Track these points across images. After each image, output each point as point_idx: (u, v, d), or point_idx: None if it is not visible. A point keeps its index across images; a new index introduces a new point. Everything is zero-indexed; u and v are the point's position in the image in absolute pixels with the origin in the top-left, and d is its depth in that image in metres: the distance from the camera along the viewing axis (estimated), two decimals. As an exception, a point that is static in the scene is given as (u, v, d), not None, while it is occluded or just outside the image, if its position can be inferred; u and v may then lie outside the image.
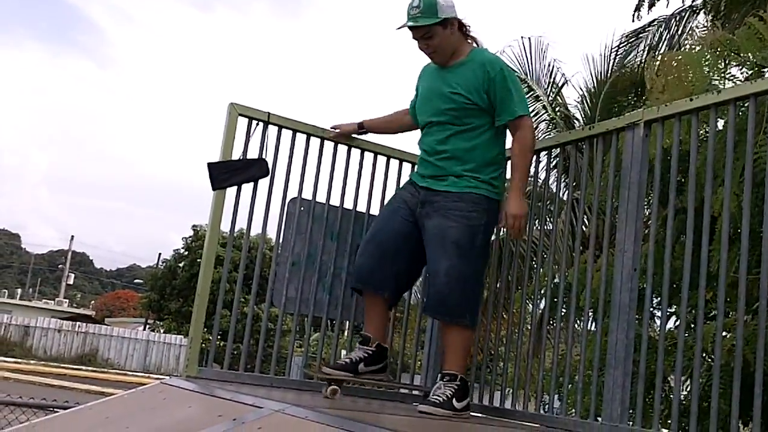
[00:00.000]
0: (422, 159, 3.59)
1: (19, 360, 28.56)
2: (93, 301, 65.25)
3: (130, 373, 29.48)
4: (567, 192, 8.39)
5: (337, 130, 3.91)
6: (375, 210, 4.01)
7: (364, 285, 3.55)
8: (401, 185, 3.84)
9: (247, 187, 3.74)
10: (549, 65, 13.33)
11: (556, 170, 10.00)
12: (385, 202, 3.86)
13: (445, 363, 3.43)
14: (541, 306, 4.42)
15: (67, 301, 57.15)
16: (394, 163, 4.12)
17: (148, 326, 38.01)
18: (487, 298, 4.01)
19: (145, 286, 41.39)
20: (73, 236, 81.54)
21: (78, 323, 34.77)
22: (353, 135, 3.94)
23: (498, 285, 4.07)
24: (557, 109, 13.29)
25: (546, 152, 3.87)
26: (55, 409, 6.16)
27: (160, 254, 45.60)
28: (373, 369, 3.53)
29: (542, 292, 4.64)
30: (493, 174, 3.47)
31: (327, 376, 3.43)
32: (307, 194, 3.90)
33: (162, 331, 35.12)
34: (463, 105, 3.42)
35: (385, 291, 3.53)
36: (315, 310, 3.88)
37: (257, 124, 3.78)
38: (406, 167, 4.12)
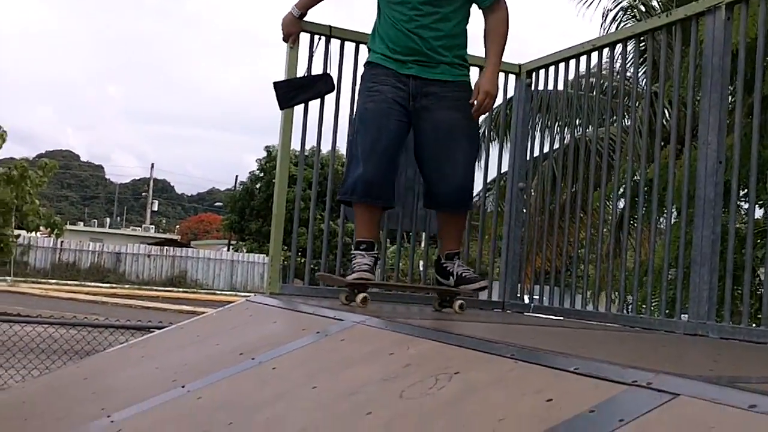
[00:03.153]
0: (400, 39, 3.32)
1: (114, 285, 29.94)
2: (177, 226, 67.30)
3: (218, 292, 30.60)
4: (645, 85, 8.08)
5: (291, 38, 3.69)
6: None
7: (374, 199, 3.35)
8: (369, 75, 3.43)
9: (314, 104, 3.71)
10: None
11: (632, 63, 9.61)
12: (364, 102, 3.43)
13: (450, 244, 3.48)
14: (621, 205, 4.32)
15: (154, 227, 59.20)
16: (475, 72, 4.01)
17: (231, 247, 39.11)
18: (565, 199, 3.93)
19: (225, 209, 42.40)
20: (153, 164, 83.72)
21: (166, 247, 36.11)
22: (301, 23, 3.67)
23: (575, 185, 3.98)
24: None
25: (621, 44, 3.70)
26: (151, 330, 6.43)
27: (237, 177, 46.46)
28: (377, 271, 3.49)
29: (621, 191, 4.54)
30: (466, 59, 3.45)
31: (357, 280, 3.22)
32: (375, 106, 3.84)
33: (244, 251, 36.09)
34: None
35: (390, 202, 3.43)
36: (389, 223, 3.89)
37: (320, 39, 3.72)
38: (500, 76, 4.03)
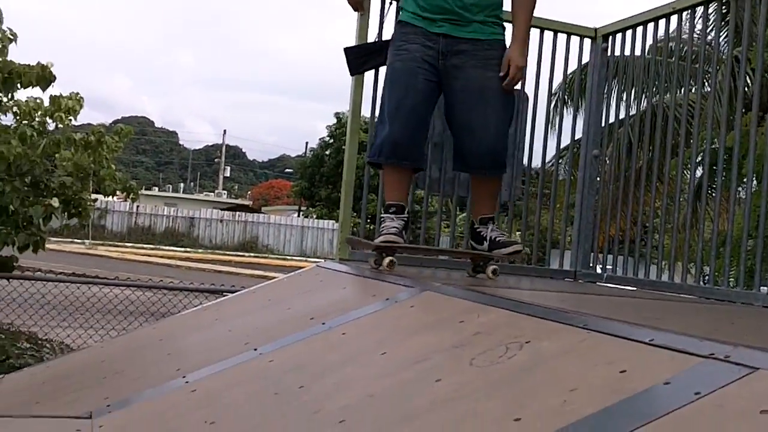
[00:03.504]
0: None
1: (188, 249, 30.69)
2: (249, 192, 68.39)
3: (288, 257, 31.06)
4: (726, 49, 7.79)
5: (360, 4, 3.68)
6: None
7: (401, 160, 3.27)
8: (399, 34, 3.35)
9: (384, 69, 3.69)
10: None
11: (714, 26, 9.29)
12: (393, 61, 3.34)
13: (484, 208, 3.39)
14: (698, 174, 4.19)
15: (226, 192, 60.34)
16: (549, 36, 3.93)
17: (301, 213, 39.58)
18: (641, 167, 3.82)
19: (296, 175, 42.87)
20: (225, 131, 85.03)
21: (237, 213, 36.78)
22: None
23: (651, 153, 3.87)
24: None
25: (703, 6, 3.56)
26: (223, 293, 6.58)
27: (307, 143, 46.92)
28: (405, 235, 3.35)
29: (699, 159, 4.40)
30: (501, 17, 3.31)
31: (385, 243, 3.14)
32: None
33: (314, 217, 36.49)
34: None
35: (420, 162, 3.38)
36: (460, 189, 3.86)
37: (390, 4, 3.69)
38: (575, 40, 3.94)
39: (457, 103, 3.25)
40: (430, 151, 3.75)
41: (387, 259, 3.07)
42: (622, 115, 4.39)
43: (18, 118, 8.49)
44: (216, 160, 70.26)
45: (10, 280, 7.64)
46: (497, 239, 3.30)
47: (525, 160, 4.01)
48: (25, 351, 7.41)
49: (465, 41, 3.20)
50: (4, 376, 3.05)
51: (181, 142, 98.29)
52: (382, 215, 3.33)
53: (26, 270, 7.96)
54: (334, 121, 35.73)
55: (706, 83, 7.82)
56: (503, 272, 3.51)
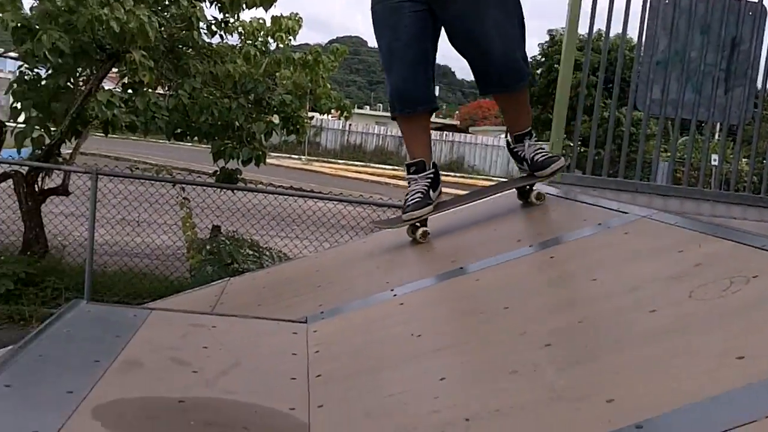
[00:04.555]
0: None
1: (396, 167, 31.46)
2: (457, 111, 68.46)
3: (494, 178, 30.99)
4: None
5: None
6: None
7: (413, 108, 3.05)
8: None
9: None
10: None
11: None
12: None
13: (515, 125, 3.14)
14: None
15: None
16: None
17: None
18: None
19: (505, 95, 42.19)
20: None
21: (445, 132, 37.05)
22: None
23: None
24: None
25: None
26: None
27: (517, 62, 45.75)
28: (439, 191, 3.14)
29: None
30: None
31: (416, 219, 2.98)
32: (673, -16, 3.52)
33: (522, 138, 35.94)
34: None
35: (430, 104, 3.10)
36: (682, 111, 3.61)
37: None
38: None
39: (455, 28, 2.96)
40: (651, 70, 3.53)
41: (419, 231, 2.96)
42: None
43: (243, 38, 8.99)
44: (425, 79, 70.55)
45: (235, 191, 8.24)
46: (535, 158, 3.04)
47: (759, 80, 3.66)
48: (248, 257, 8.03)
49: None
50: (230, 279, 3.31)
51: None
52: (406, 176, 3.13)
53: (249, 182, 8.53)
54: (547, 38, 34.58)
55: None
56: (727, 201, 3.27)
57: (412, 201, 2.98)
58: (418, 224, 2.98)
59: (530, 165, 3.06)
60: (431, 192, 3.03)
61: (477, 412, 1.33)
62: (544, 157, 3.03)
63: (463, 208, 3.75)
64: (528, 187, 3.07)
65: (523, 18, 3.02)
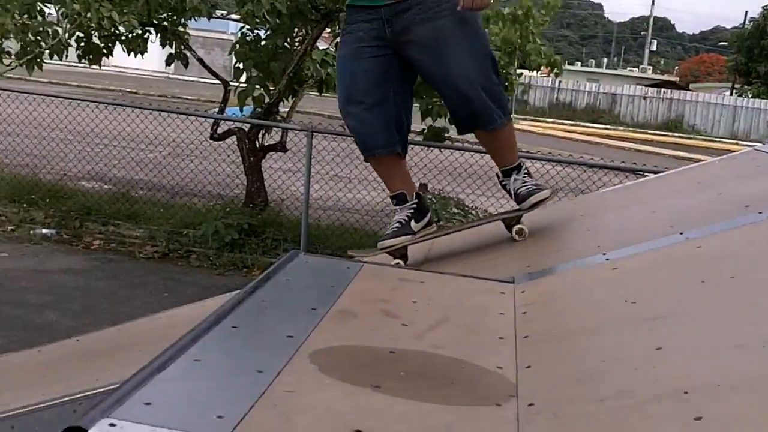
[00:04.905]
0: None
1: (608, 126, 30.29)
2: (676, 67, 64.56)
3: (716, 139, 28.98)
4: None
5: None
6: None
7: (375, 151, 3.00)
8: (345, 23, 3.08)
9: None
10: None
11: None
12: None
13: (500, 160, 3.09)
14: None
15: (651, 67, 57.74)
16: None
17: (734, 91, 36.33)
18: None
19: (731, 49, 39.18)
20: (654, 1, 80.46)
21: (662, 89, 35.07)
22: None
23: None
24: None
25: None
26: (644, 173, 6.39)
27: (746, 12, 42.24)
28: (425, 222, 3.10)
29: None
30: None
31: (388, 249, 3.00)
32: None
33: (749, 96, 33.23)
34: None
35: (389, 147, 3.00)
36: None
37: None
38: None
39: (422, 69, 2.92)
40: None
41: (393, 262, 2.94)
42: None
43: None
44: (642, 33, 67.22)
45: (442, 150, 8.31)
46: (519, 191, 3.01)
47: None
48: (454, 215, 8.09)
49: (407, 1, 2.80)
50: (433, 242, 3.35)
51: (606, 15, 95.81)
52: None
53: (455, 141, 8.56)
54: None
55: None
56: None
57: (390, 230, 3.08)
58: (393, 256, 3.01)
59: (515, 198, 3.07)
60: (412, 222, 3.06)
61: (696, 386, 1.25)
62: (528, 190, 3.02)
63: (684, 170, 3.54)
64: (514, 221, 3.03)
65: (487, 46, 3.00)
